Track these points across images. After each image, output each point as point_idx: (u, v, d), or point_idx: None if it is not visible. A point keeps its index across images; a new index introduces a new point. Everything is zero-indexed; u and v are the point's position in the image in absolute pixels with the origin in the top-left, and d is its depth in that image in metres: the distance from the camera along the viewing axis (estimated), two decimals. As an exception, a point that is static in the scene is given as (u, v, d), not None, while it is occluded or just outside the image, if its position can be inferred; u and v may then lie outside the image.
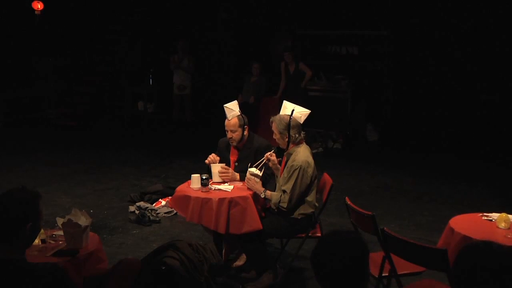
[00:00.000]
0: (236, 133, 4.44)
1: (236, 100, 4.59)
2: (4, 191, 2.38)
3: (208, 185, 4.16)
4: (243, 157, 4.52)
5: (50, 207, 6.00)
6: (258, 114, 8.87)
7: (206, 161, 4.49)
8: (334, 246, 1.97)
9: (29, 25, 11.24)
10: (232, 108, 4.46)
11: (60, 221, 3.45)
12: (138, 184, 7.00)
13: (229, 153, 4.61)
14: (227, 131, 4.47)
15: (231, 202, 4.01)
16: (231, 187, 4.24)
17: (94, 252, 3.33)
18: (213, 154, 4.53)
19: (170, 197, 5.54)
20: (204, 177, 4.16)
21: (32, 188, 2.43)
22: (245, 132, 4.50)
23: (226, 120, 4.45)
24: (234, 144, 4.53)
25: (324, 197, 4.19)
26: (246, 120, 4.50)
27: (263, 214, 4.20)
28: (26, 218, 2.30)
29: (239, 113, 4.47)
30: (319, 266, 1.96)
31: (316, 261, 1.96)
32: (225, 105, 4.48)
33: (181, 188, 4.32)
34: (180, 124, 10.57)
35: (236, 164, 4.55)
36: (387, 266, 3.34)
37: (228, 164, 4.52)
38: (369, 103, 10.19)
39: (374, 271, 3.26)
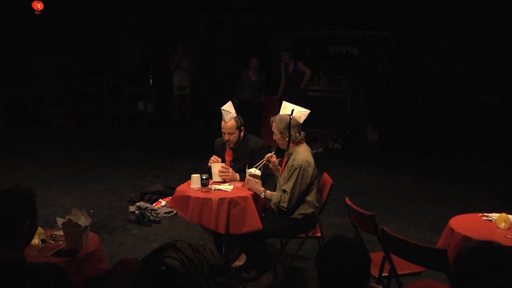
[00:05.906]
0: (233, 135, 4.46)
1: (230, 101, 4.59)
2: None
3: (208, 185, 4.16)
4: (238, 157, 4.54)
5: (50, 207, 6.01)
6: (258, 114, 8.83)
7: (209, 164, 4.50)
8: (339, 252, 2.00)
9: (29, 25, 11.24)
10: (229, 110, 4.47)
11: (60, 221, 3.45)
12: (138, 184, 7.00)
13: (225, 153, 4.62)
14: (224, 134, 4.48)
15: (231, 202, 4.01)
16: (231, 187, 4.24)
17: (94, 252, 3.32)
18: (214, 156, 4.54)
19: (170, 197, 5.53)
20: (204, 177, 4.16)
21: (27, 186, 2.42)
22: (241, 134, 4.52)
23: (223, 122, 4.46)
24: (231, 145, 4.54)
25: (324, 197, 4.19)
26: (242, 121, 4.52)
27: (263, 214, 4.20)
28: (25, 216, 2.29)
29: (235, 115, 4.48)
30: (324, 270, 1.99)
31: (321, 266, 2.00)
32: (222, 107, 4.48)
33: (181, 188, 4.32)
34: (180, 124, 10.57)
35: (232, 164, 4.56)
36: (387, 266, 3.34)
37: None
38: (369, 103, 10.20)
39: (374, 271, 3.25)
